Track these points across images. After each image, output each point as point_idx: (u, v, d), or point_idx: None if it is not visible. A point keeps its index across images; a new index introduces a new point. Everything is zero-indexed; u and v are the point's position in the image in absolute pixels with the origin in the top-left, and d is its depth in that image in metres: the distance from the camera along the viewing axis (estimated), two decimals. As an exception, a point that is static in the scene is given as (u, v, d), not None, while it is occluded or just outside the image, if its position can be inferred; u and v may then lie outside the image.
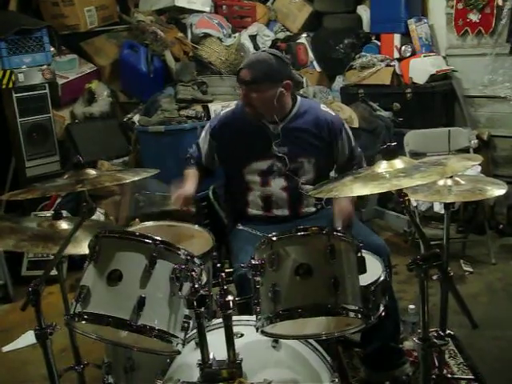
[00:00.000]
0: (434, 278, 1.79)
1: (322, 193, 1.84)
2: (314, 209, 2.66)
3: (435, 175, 1.64)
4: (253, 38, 5.18)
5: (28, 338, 3.18)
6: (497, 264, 3.81)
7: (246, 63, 2.56)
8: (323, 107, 2.71)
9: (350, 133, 2.69)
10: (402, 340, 2.69)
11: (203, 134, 2.75)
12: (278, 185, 2.61)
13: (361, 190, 1.65)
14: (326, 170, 2.74)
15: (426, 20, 4.88)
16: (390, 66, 4.82)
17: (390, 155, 1.68)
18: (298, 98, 2.67)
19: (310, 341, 1.87)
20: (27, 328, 3.18)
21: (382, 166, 1.68)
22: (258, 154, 2.60)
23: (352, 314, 1.62)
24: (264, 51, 2.77)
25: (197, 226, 2.54)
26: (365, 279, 1.76)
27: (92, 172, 1.85)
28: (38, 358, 1.82)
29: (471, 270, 3.74)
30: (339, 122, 2.66)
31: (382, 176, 1.63)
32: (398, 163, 1.67)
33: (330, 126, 2.61)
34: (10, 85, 4.20)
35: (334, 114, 2.71)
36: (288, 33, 5.39)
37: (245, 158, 2.61)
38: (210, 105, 4.41)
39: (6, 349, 3.23)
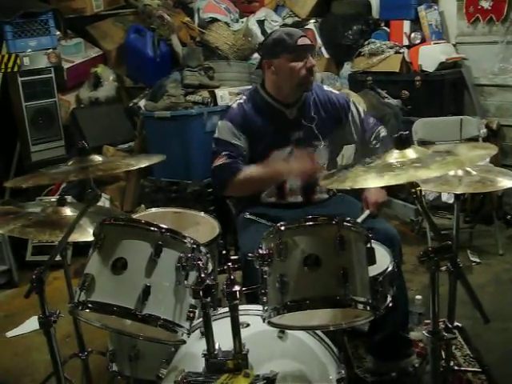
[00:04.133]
0: (443, 269, 1.75)
1: (334, 183, 1.77)
2: (326, 195, 2.66)
3: (453, 165, 1.60)
4: (260, 23, 5.12)
5: (32, 323, 3.17)
6: (504, 255, 3.79)
7: (298, 33, 2.53)
8: (326, 87, 2.76)
9: (358, 106, 2.73)
10: (408, 330, 2.66)
11: (228, 131, 2.53)
12: None
13: (376, 181, 1.55)
14: (335, 154, 2.78)
15: (436, 7, 4.82)
16: (399, 53, 4.77)
17: (403, 144, 1.63)
18: None
19: (317, 331, 1.84)
20: (32, 313, 3.18)
21: (394, 156, 1.63)
22: (278, 142, 2.56)
23: (361, 306, 1.59)
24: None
25: (202, 212, 2.53)
26: (373, 270, 1.74)
27: (97, 158, 1.82)
28: (43, 344, 1.80)
29: (478, 260, 3.71)
30: (344, 98, 2.72)
31: (398, 166, 1.56)
32: (411, 153, 1.62)
33: (337, 104, 2.66)
34: (16, 68, 4.17)
35: (336, 91, 2.77)
36: (296, 18, 5.32)
37: (268, 148, 2.55)
38: (216, 90, 4.36)
39: (10, 334, 3.23)
